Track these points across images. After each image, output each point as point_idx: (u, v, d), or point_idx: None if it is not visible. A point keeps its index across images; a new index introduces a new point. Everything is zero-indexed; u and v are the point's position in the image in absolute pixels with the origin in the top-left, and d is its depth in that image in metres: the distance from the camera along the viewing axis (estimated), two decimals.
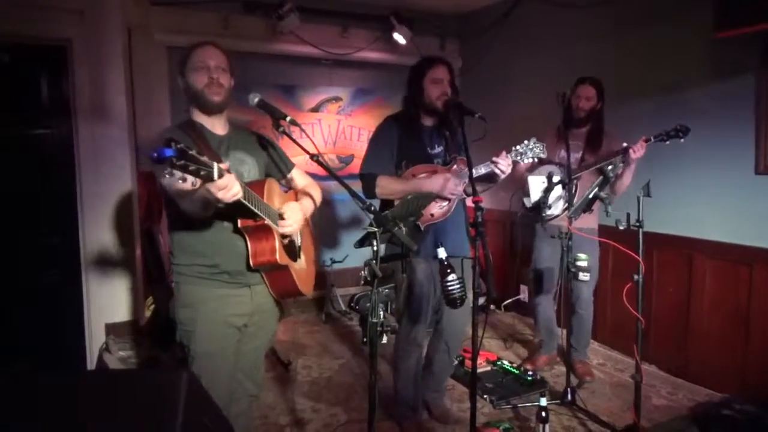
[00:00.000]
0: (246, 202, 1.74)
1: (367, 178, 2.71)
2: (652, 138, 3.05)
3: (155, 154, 1.33)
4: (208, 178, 1.46)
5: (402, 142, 2.74)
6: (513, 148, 2.60)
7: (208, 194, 1.57)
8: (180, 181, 1.40)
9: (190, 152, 1.39)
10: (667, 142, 3.03)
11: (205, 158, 1.44)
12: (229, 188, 1.57)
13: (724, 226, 3.31)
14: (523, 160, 2.63)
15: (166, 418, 1.12)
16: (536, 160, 2.67)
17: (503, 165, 2.55)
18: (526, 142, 2.61)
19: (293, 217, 2.03)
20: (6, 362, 3.39)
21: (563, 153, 3.41)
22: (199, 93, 1.97)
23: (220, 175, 1.50)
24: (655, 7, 3.63)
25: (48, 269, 3.56)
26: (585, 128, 3.43)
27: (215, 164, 1.48)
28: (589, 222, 3.34)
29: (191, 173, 1.39)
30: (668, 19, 3.53)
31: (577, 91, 3.40)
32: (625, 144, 3.09)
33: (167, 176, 1.38)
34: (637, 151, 3.06)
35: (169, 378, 1.20)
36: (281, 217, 2.00)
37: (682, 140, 2.99)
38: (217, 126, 2.06)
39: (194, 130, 1.97)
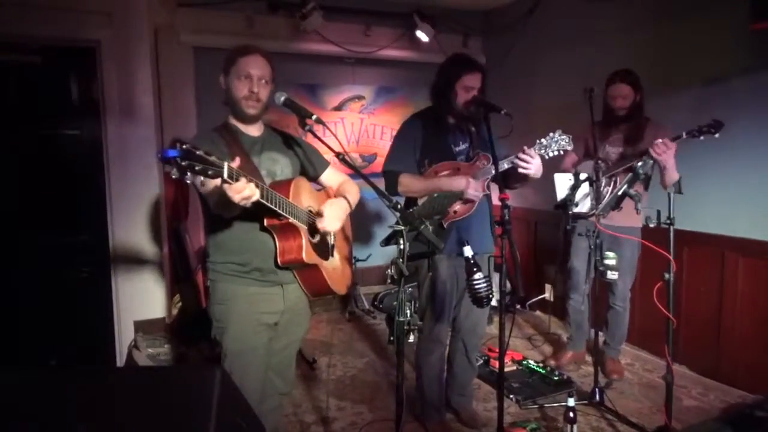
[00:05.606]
0: (265, 202, 1.74)
1: (390, 176, 2.71)
2: (684, 134, 2.86)
3: (160, 155, 1.36)
4: (217, 177, 1.47)
5: (426, 139, 2.73)
6: (537, 141, 2.55)
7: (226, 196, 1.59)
8: (197, 181, 1.43)
9: (197, 152, 1.40)
10: (701, 138, 2.81)
11: (213, 158, 1.44)
12: (242, 190, 1.57)
13: (758, 224, 3.21)
14: (548, 153, 2.55)
15: (200, 416, 1.13)
16: (562, 152, 2.58)
17: (523, 160, 2.47)
18: (551, 134, 2.55)
19: (332, 215, 2.03)
20: (37, 359, 3.47)
21: (607, 149, 3.34)
22: (236, 102, 2.01)
23: (230, 175, 1.51)
24: None
25: (78, 267, 3.64)
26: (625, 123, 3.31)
27: (225, 164, 1.48)
28: (632, 221, 3.13)
29: (197, 173, 1.41)
30: (703, 10, 3.44)
31: (609, 92, 3.27)
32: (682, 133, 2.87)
33: (174, 175, 1.40)
34: (661, 152, 2.86)
35: (203, 375, 1.22)
36: (319, 214, 2.01)
37: (716, 136, 2.79)
38: (251, 128, 2.10)
39: (229, 133, 2.02)
